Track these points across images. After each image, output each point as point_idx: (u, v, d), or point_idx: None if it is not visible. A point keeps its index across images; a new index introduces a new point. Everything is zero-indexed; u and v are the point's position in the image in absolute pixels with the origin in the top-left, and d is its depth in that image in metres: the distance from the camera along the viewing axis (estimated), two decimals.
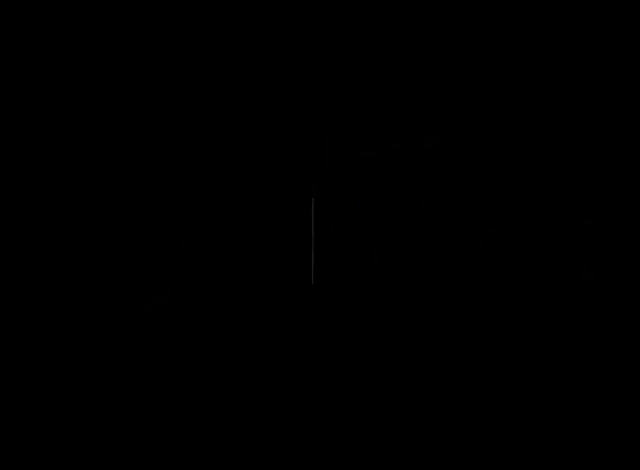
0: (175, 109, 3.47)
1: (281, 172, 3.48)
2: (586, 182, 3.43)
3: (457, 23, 3.43)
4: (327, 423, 3.28)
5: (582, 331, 3.36)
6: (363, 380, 3.35)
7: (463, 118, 3.46)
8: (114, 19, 3.44)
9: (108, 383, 3.35)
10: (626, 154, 3.40)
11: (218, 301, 3.44)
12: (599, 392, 3.29)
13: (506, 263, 3.44)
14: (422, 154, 3.47)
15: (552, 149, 3.44)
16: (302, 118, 3.49)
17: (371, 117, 3.48)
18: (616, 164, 3.41)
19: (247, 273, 3.46)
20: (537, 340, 3.37)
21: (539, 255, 3.43)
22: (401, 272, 3.47)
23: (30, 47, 3.42)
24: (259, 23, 3.45)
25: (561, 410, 3.27)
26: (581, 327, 3.36)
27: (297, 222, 3.47)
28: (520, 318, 3.38)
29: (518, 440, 3.22)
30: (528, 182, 3.44)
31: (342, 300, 3.44)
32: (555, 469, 3.15)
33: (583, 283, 3.39)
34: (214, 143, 3.48)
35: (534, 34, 3.42)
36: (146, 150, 3.46)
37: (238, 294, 3.45)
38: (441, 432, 3.25)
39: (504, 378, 3.32)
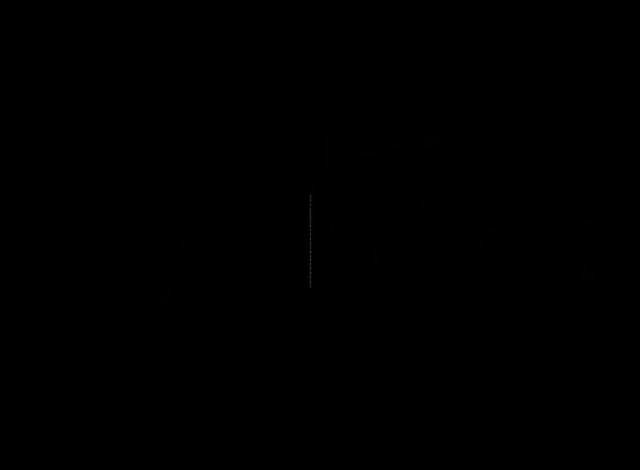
0: (174, 108, 3.47)
1: (280, 173, 3.48)
2: (586, 182, 3.43)
3: (457, 22, 3.44)
4: (325, 425, 3.28)
5: (582, 331, 3.36)
6: (362, 383, 3.35)
7: (463, 119, 3.47)
8: (114, 18, 3.44)
9: (107, 383, 3.34)
10: (626, 154, 3.40)
11: (217, 302, 3.44)
12: (599, 391, 3.29)
13: (506, 263, 3.44)
14: (422, 154, 3.47)
15: (552, 149, 3.45)
16: (302, 118, 3.48)
17: (371, 117, 3.48)
18: (615, 164, 3.41)
19: (245, 274, 3.46)
20: (537, 340, 3.37)
21: (539, 255, 3.43)
22: (401, 273, 3.47)
23: (30, 46, 3.42)
24: (259, 22, 3.45)
25: (561, 410, 3.27)
26: (581, 327, 3.36)
27: (295, 223, 3.47)
28: (520, 318, 3.38)
29: (517, 439, 3.22)
30: (528, 182, 3.45)
31: (341, 303, 3.44)
32: (555, 469, 3.15)
33: (583, 283, 3.40)
34: (214, 143, 3.48)
35: (534, 34, 3.43)
36: (146, 150, 3.46)
37: (236, 295, 3.45)
38: (441, 433, 3.25)
39: (504, 378, 3.33)
